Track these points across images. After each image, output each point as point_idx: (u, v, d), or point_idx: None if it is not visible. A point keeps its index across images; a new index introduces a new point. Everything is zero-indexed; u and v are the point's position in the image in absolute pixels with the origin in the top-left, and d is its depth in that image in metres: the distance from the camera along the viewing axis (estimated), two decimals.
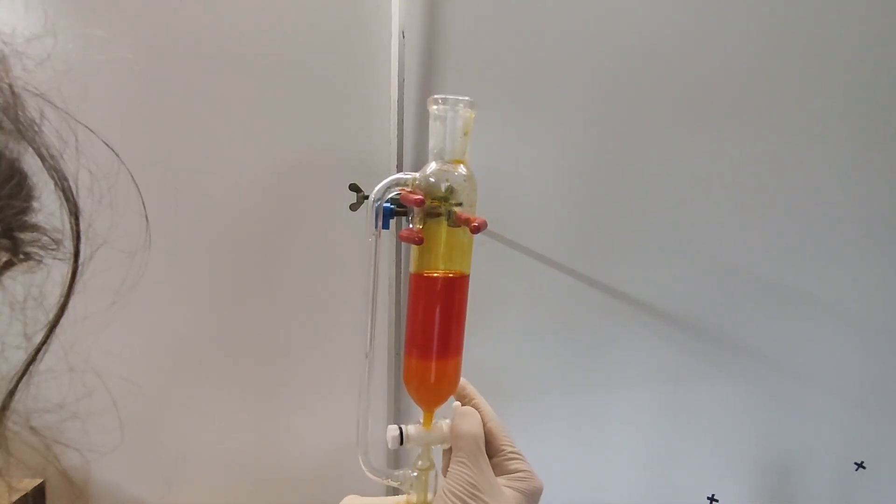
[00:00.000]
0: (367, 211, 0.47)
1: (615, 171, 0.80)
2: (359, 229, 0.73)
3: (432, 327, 0.45)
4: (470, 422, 0.43)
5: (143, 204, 0.29)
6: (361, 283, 0.66)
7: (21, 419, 0.19)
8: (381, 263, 0.52)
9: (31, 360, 0.19)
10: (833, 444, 0.90)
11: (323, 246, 0.74)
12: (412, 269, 0.46)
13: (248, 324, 0.74)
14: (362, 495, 0.48)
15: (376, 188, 0.46)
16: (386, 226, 0.48)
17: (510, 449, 0.43)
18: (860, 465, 0.91)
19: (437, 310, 0.45)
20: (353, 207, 0.72)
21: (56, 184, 0.20)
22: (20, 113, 0.18)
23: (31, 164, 0.19)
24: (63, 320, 0.20)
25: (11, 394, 0.18)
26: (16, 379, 0.18)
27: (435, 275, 0.45)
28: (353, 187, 0.72)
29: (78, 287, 0.20)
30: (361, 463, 0.47)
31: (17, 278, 0.19)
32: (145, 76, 0.68)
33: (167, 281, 0.71)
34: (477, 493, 0.37)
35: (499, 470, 0.42)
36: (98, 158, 0.22)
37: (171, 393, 0.73)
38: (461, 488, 0.38)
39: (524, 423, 0.83)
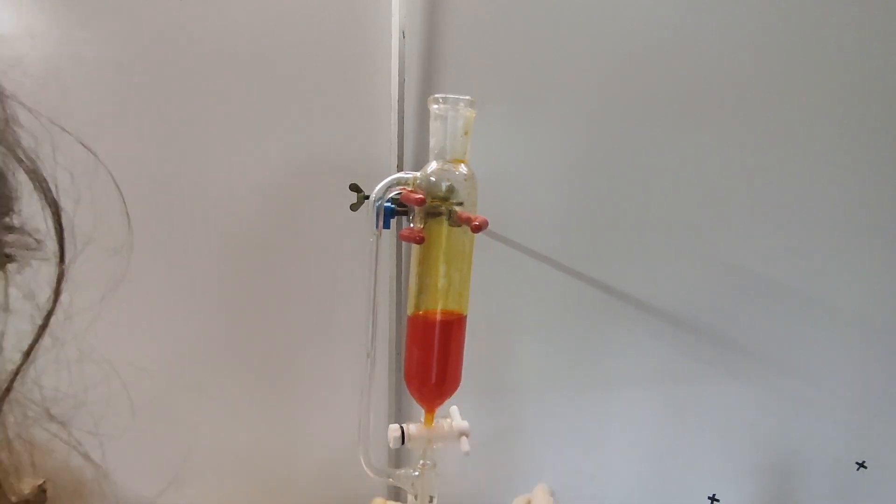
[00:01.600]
0: (368, 211, 0.47)
1: (616, 170, 0.80)
2: (360, 229, 0.73)
3: (430, 367, 0.45)
4: None
5: (124, 201, 0.29)
6: (362, 283, 0.66)
7: (39, 408, 0.19)
8: (381, 263, 0.52)
9: (26, 357, 0.20)
10: (834, 443, 0.90)
11: (323, 246, 0.74)
12: (409, 311, 0.46)
13: (248, 324, 0.74)
14: (366, 496, 0.48)
15: (377, 188, 0.46)
16: (387, 225, 0.48)
17: None
18: (861, 465, 0.91)
19: (435, 351, 0.45)
20: (354, 207, 0.72)
21: (35, 185, 0.20)
22: None
23: (10, 167, 0.19)
24: (54, 317, 0.20)
25: (8, 390, 0.19)
26: (11, 375, 0.19)
27: (433, 316, 0.45)
28: (354, 187, 0.72)
29: (67, 285, 0.21)
30: (363, 462, 0.47)
31: (8, 279, 0.20)
32: (140, 73, 0.68)
33: (166, 281, 0.71)
34: None
35: None
36: (76, 158, 0.23)
37: (172, 393, 0.73)
38: None
39: (524, 422, 0.83)
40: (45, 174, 0.20)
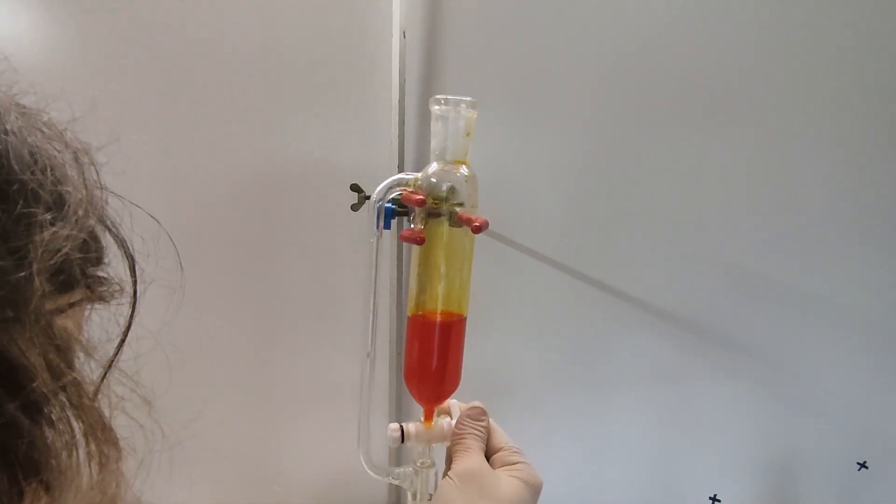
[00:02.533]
0: (369, 211, 0.47)
1: (616, 170, 0.80)
2: (360, 230, 0.73)
3: (429, 367, 0.46)
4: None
5: (178, 254, 0.40)
6: (363, 283, 0.66)
7: (127, 383, 0.28)
8: (382, 263, 0.52)
9: (114, 357, 0.28)
10: (835, 443, 0.90)
11: (324, 246, 0.75)
12: (409, 311, 0.46)
13: (249, 324, 0.74)
14: (366, 495, 0.49)
15: (378, 188, 0.47)
16: (387, 226, 0.48)
17: (511, 446, 0.44)
18: (863, 465, 0.90)
19: (435, 351, 0.46)
20: (355, 208, 0.73)
21: (118, 245, 0.29)
22: (96, 202, 0.27)
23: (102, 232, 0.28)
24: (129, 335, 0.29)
25: (104, 376, 0.27)
26: (107, 365, 0.27)
27: (433, 317, 0.45)
28: (355, 188, 0.72)
29: (137, 314, 0.30)
30: (363, 461, 0.48)
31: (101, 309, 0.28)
32: (139, 75, 0.68)
33: (166, 281, 0.71)
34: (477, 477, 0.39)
35: (499, 463, 0.42)
36: (145, 225, 0.32)
37: (170, 394, 0.73)
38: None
39: (524, 422, 0.83)
40: (123, 236, 0.29)
